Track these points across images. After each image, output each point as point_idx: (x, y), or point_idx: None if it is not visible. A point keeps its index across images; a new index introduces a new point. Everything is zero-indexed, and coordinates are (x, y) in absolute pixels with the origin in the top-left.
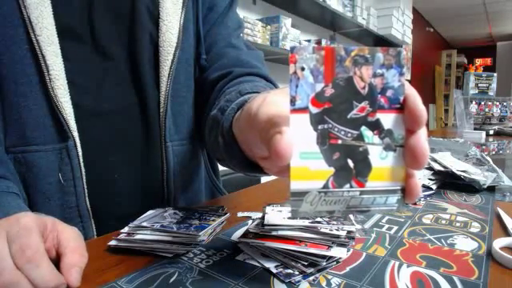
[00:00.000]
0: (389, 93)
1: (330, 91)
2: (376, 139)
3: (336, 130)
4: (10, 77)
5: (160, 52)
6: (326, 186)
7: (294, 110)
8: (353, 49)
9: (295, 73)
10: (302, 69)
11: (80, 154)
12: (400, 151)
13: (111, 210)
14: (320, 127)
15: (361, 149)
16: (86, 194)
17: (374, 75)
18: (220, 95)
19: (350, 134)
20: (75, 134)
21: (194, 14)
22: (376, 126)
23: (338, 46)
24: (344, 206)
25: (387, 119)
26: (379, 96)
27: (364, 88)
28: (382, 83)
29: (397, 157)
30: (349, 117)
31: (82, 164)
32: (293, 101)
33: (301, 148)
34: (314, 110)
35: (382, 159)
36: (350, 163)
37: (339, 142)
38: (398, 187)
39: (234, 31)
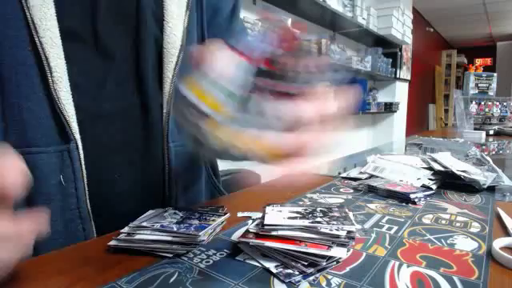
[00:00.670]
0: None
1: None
2: None
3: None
4: (12, 78)
5: (164, 54)
6: None
7: None
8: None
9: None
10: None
11: (82, 155)
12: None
13: (112, 210)
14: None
15: None
16: (87, 196)
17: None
18: None
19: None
20: (77, 135)
21: (198, 17)
22: None
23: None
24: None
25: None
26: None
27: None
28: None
29: None
30: None
31: (83, 166)
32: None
33: None
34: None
35: None
36: None
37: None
38: None
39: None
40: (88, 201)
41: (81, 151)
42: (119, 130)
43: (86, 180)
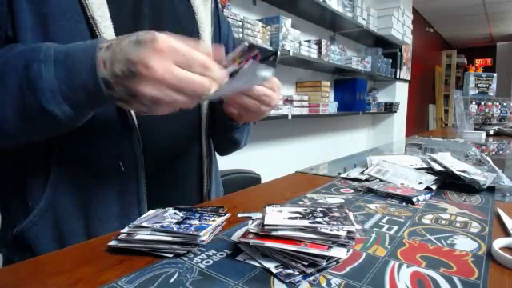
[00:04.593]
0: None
1: None
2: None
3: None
4: None
5: None
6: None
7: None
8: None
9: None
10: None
11: (141, 144)
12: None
13: (162, 196)
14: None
15: None
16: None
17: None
18: None
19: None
20: (137, 125)
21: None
22: None
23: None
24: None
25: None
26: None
27: None
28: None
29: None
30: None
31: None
32: None
33: None
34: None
35: None
36: None
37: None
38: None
39: None
40: (145, 186)
41: (141, 140)
42: (173, 121)
43: (144, 166)
